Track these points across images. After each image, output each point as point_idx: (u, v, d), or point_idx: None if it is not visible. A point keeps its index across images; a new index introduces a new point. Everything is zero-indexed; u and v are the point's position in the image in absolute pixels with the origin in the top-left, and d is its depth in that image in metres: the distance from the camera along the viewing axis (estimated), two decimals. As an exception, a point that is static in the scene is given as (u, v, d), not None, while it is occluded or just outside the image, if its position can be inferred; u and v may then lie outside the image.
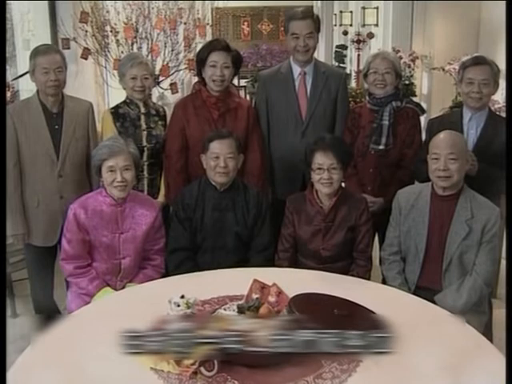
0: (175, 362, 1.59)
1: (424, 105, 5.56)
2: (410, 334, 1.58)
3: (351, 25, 8.94)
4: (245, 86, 8.95)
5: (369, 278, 2.48)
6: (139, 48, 4.69)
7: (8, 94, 3.88)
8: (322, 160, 2.39)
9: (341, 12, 9.24)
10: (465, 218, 2.30)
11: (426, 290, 2.32)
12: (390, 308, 1.82)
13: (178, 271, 2.39)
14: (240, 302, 1.94)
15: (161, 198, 2.88)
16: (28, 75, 2.76)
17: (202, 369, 1.57)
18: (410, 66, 6.04)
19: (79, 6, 4.64)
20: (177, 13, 4.93)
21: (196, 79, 3.93)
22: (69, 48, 4.53)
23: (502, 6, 2.81)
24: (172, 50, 4.87)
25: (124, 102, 2.89)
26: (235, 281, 2.13)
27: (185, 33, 5.06)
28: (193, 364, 1.57)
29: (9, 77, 4.19)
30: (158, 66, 4.69)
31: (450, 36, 5.83)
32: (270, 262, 2.51)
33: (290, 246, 2.55)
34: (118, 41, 4.65)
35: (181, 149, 2.82)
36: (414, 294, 2.24)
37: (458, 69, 2.76)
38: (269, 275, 2.12)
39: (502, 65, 2.65)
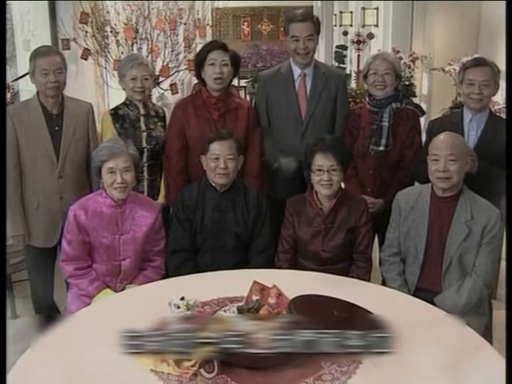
0: (175, 363, 1.59)
1: (424, 105, 5.58)
2: (409, 335, 1.59)
3: (351, 25, 8.95)
4: (245, 87, 8.95)
5: (369, 280, 2.48)
6: (139, 49, 4.68)
7: (8, 95, 3.88)
8: (322, 161, 2.39)
9: (341, 12, 9.25)
10: (464, 219, 2.30)
11: (426, 291, 2.32)
12: (390, 309, 1.82)
13: (178, 272, 2.40)
14: (240, 304, 1.94)
15: (161, 199, 2.88)
16: (28, 76, 2.76)
17: (202, 370, 1.57)
18: (409, 67, 6.05)
19: (79, 7, 4.63)
20: (177, 13, 4.92)
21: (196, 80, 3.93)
22: (69, 48, 4.53)
23: (502, 5, 2.82)
24: (172, 51, 4.86)
25: (123, 103, 2.89)
26: (235, 282, 2.13)
27: (185, 33, 5.05)
28: (193, 366, 1.57)
29: (9, 77, 4.18)
30: (158, 67, 4.69)
31: (450, 36, 5.84)
32: (269, 263, 2.51)
33: (289, 247, 2.55)
34: (118, 41, 4.64)
35: (181, 149, 2.82)
36: (414, 295, 2.25)
37: (459, 70, 2.77)
38: (269, 277, 2.12)
39: (502, 65, 2.65)
